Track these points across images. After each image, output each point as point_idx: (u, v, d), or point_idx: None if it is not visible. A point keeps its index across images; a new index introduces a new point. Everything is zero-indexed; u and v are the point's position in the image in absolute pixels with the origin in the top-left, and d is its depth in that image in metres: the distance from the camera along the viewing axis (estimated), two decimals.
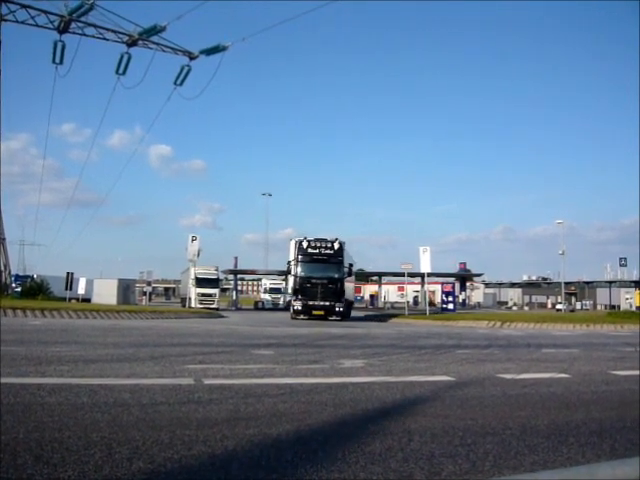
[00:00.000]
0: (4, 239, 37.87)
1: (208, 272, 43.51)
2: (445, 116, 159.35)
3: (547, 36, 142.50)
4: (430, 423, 4.11)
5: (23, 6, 34.40)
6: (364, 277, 70.77)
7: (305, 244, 28.19)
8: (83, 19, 33.79)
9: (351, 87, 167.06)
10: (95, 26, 34.59)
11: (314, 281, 27.44)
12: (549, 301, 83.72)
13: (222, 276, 49.66)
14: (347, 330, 17.69)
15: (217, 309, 39.17)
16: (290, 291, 31.78)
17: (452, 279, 58.32)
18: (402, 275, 47.52)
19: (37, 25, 34.57)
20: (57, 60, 33.26)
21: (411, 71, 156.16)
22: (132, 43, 34.73)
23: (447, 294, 41.16)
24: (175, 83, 34.73)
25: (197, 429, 3.65)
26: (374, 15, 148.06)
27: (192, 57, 35.24)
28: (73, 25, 34.12)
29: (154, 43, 35.55)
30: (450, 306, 39.68)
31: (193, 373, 6.21)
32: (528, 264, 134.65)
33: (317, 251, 28.08)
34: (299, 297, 27.35)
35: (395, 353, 9.72)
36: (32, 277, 44.13)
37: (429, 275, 38.44)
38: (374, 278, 74.66)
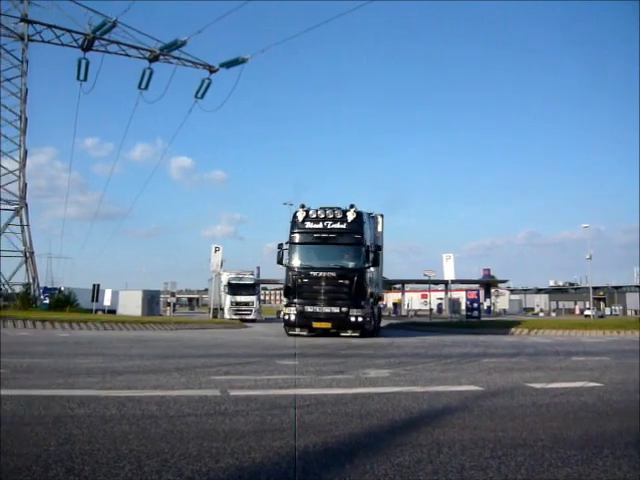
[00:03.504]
0: (32, 252, 38.63)
1: (243, 277, 38.53)
2: (468, 129, 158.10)
3: (573, 36, 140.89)
4: (459, 434, 4.04)
5: (49, 26, 35.42)
6: (387, 285, 70.45)
7: (301, 216, 18.65)
8: (106, 37, 34.63)
9: (370, 94, 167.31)
10: (118, 43, 35.43)
11: (316, 274, 18.02)
12: (577, 307, 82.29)
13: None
14: (372, 340, 17.56)
15: (254, 320, 35.48)
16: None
17: (476, 286, 57.70)
18: (425, 282, 47.24)
19: (62, 44, 35.56)
20: (81, 77, 34.03)
21: (433, 68, 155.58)
22: (154, 58, 35.43)
23: (472, 301, 40.62)
24: (196, 96, 35.25)
25: (224, 441, 3.65)
26: (398, 23, 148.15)
27: (212, 70, 35.77)
28: (96, 43, 34.98)
29: (175, 57, 36.24)
30: (475, 313, 39.15)
31: (219, 384, 6.22)
32: (554, 269, 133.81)
33: (321, 226, 18.39)
34: (294, 301, 18.12)
35: (420, 362, 9.61)
36: (59, 289, 44.87)
37: (453, 282, 38.11)
38: (397, 286, 74.23)
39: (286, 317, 18.37)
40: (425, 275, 39.67)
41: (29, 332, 17.28)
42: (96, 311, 33.04)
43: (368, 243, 18.54)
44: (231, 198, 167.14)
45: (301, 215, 18.58)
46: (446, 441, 3.79)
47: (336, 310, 17.70)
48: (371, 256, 18.27)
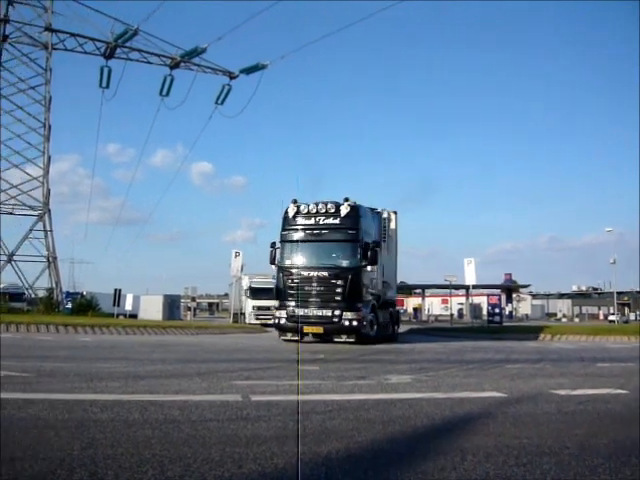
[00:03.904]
0: (55, 257, 39.27)
1: (264, 281, 37.14)
2: (490, 132, 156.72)
3: (574, 39, 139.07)
4: (483, 442, 3.98)
5: (72, 35, 36.13)
6: (407, 290, 70.08)
7: (292, 212, 17.22)
8: (128, 45, 35.21)
9: (386, 102, 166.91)
10: (139, 51, 36.02)
11: (306, 274, 16.53)
12: (600, 312, 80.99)
13: None
14: (392, 345, 17.46)
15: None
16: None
17: (498, 291, 57.11)
18: (446, 287, 46.94)
19: (85, 52, 36.27)
20: (104, 84, 34.66)
21: (453, 76, 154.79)
22: (175, 65, 35.92)
23: (493, 306, 40.20)
24: (216, 102, 35.59)
25: (246, 446, 3.64)
26: (401, 30, 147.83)
27: (232, 76, 36.14)
28: (118, 51, 35.60)
29: (195, 64, 36.68)
30: (497, 319, 38.72)
31: (240, 389, 6.22)
32: (577, 274, 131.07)
33: (312, 222, 17.00)
34: (284, 303, 16.84)
35: (442, 368, 9.52)
36: (82, 294, 45.48)
37: (474, 287, 37.78)
38: (417, 291, 73.85)
39: (276, 321, 17.07)
40: (446, 280, 39.38)
41: (52, 336, 17.53)
42: (118, 315, 33.46)
43: (366, 240, 16.83)
44: (251, 203, 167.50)
45: (292, 211, 17.10)
46: (470, 448, 3.73)
47: (328, 313, 16.07)
48: (369, 254, 16.47)
